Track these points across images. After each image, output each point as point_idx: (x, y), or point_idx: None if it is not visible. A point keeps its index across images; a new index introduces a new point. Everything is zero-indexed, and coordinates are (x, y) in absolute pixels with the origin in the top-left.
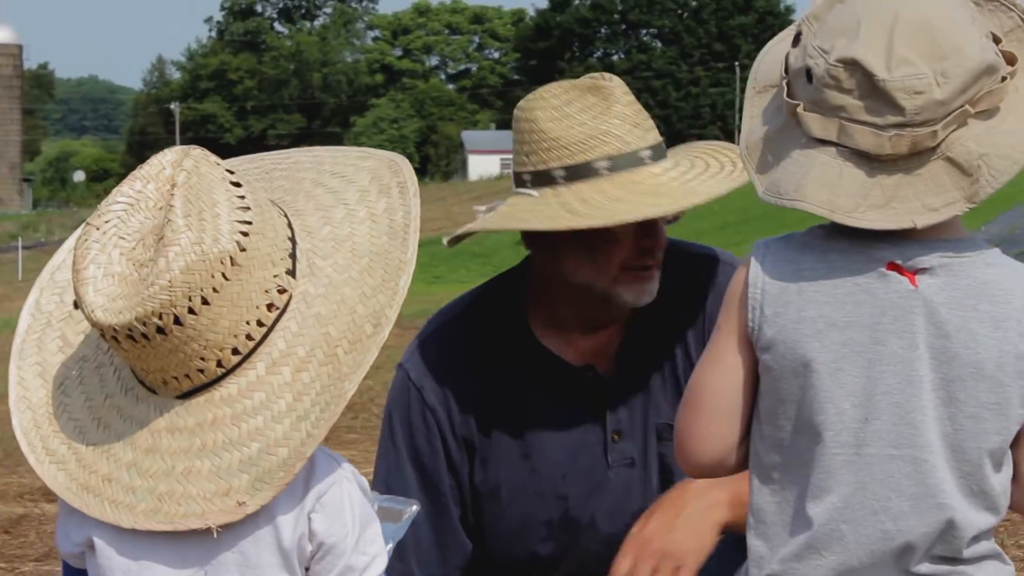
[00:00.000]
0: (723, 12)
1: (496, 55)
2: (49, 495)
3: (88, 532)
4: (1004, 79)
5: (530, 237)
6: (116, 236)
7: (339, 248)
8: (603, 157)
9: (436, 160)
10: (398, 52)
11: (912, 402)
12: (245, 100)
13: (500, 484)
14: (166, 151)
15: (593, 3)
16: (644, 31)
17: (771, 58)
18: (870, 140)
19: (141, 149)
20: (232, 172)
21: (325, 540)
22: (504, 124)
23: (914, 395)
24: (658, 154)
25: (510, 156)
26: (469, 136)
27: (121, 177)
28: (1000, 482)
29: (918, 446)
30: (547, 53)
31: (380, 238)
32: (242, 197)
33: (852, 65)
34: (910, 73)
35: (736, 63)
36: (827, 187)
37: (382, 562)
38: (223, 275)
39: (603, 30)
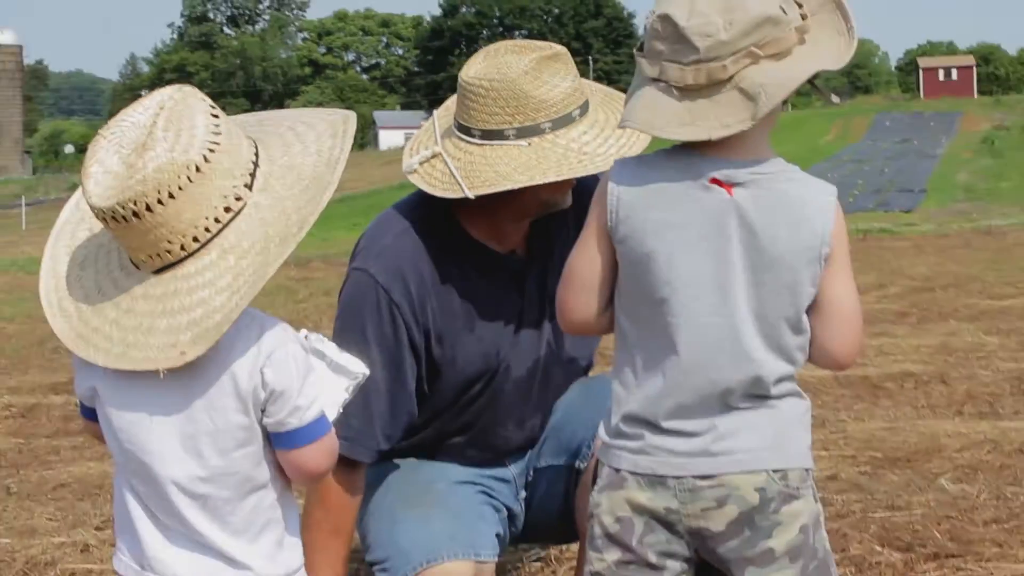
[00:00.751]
0: (579, 17)
1: (400, 52)
2: (55, 389)
3: (92, 382)
4: (794, 31)
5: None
6: (117, 144)
7: (290, 173)
8: (576, 107)
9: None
10: (322, 50)
11: (728, 282)
12: (201, 88)
13: (456, 355)
14: (166, 88)
15: (477, 11)
16: (517, 32)
17: None
18: (677, 74)
19: None
20: (215, 107)
21: (275, 388)
22: (407, 106)
23: (729, 277)
24: (584, 109)
25: (412, 130)
26: (379, 115)
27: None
28: (796, 342)
29: (733, 315)
30: (440, 50)
31: (319, 167)
32: (217, 125)
33: (664, 18)
34: (703, 21)
35: (589, 57)
36: (648, 111)
37: (321, 401)
38: (188, 178)
39: (485, 32)
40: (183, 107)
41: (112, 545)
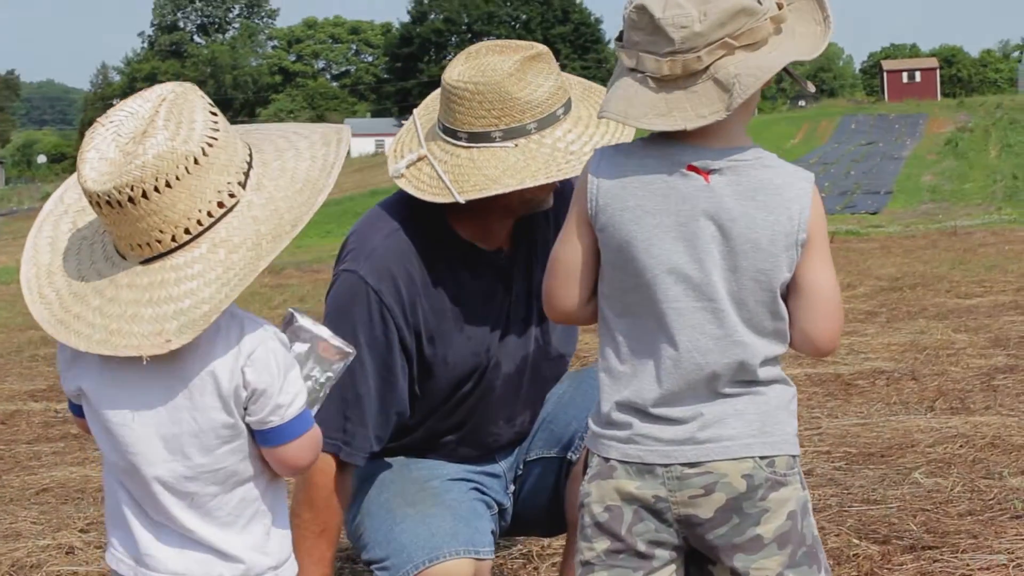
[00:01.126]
0: (546, 23)
1: (370, 59)
2: (34, 396)
3: (78, 382)
4: (768, 21)
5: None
6: (115, 133)
7: (283, 175)
8: (560, 106)
9: None
10: (292, 58)
11: (706, 267)
12: None
13: (447, 354)
14: (166, 83)
15: (446, 18)
16: (486, 38)
17: None
18: (653, 65)
19: None
20: (213, 105)
21: (257, 387)
22: (377, 113)
23: (707, 262)
24: (567, 107)
25: (383, 138)
26: (350, 122)
27: (75, 159)
28: (774, 326)
29: (715, 299)
30: (410, 57)
31: (313, 171)
32: (215, 123)
33: (640, 9)
34: (678, 13)
35: (557, 63)
36: (625, 101)
37: (302, 398)
38: (186, 168)
39: (453, 38)
40: (183, 101)
41: (97, 548)
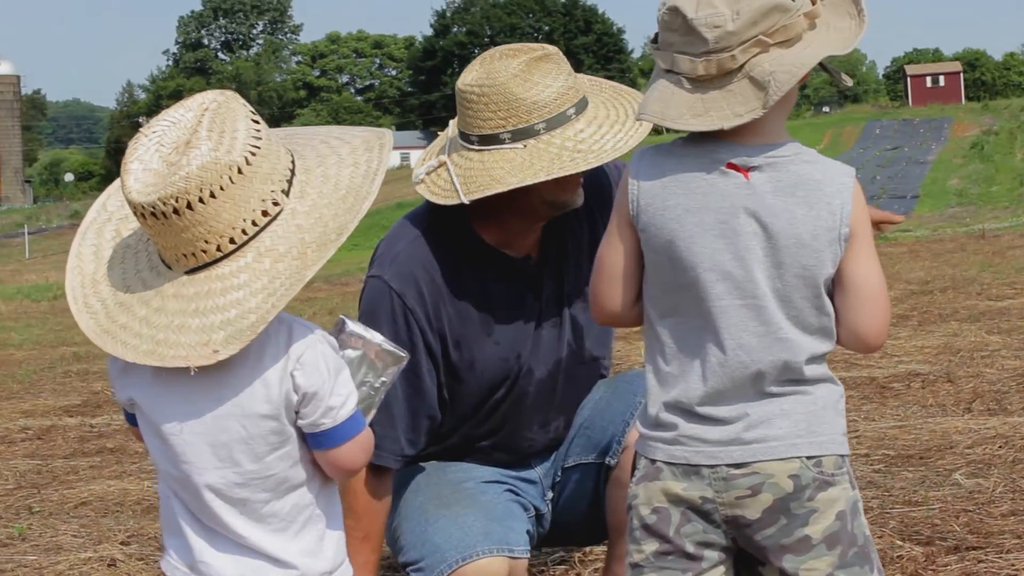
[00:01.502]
0: (569, 34)
1: (393, 72)
2: (68, 411)
3: (128, 392)
4: (802, 16)
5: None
6: (158, 143)
7: (326, 183)
8: (570, 106)
9: None
10: (316, 72)
11: (748, 264)
12: None
13: (474, 359)
14: (207, 92)
15: (468, 30)
16: None
17: None
18: (688, 66)
19: (117, 155)
20: (255, 113)
21: (307, 390)
22: (401, 126)
23: (749, 259)
24: (580, 107)
25: (408, 150)
26: None
27: (102, 177)
28: (820, 322)
29: (758, 296)
30: (433, 70)
31: (356, 178)
32: (258, 131)
33: (673, 11)
34: (711, 12)
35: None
36: (661, 102)
37: (353, 399)
38: (230, 179)
39: (476, 51)
40: (226, 110)
41: (139, 559)
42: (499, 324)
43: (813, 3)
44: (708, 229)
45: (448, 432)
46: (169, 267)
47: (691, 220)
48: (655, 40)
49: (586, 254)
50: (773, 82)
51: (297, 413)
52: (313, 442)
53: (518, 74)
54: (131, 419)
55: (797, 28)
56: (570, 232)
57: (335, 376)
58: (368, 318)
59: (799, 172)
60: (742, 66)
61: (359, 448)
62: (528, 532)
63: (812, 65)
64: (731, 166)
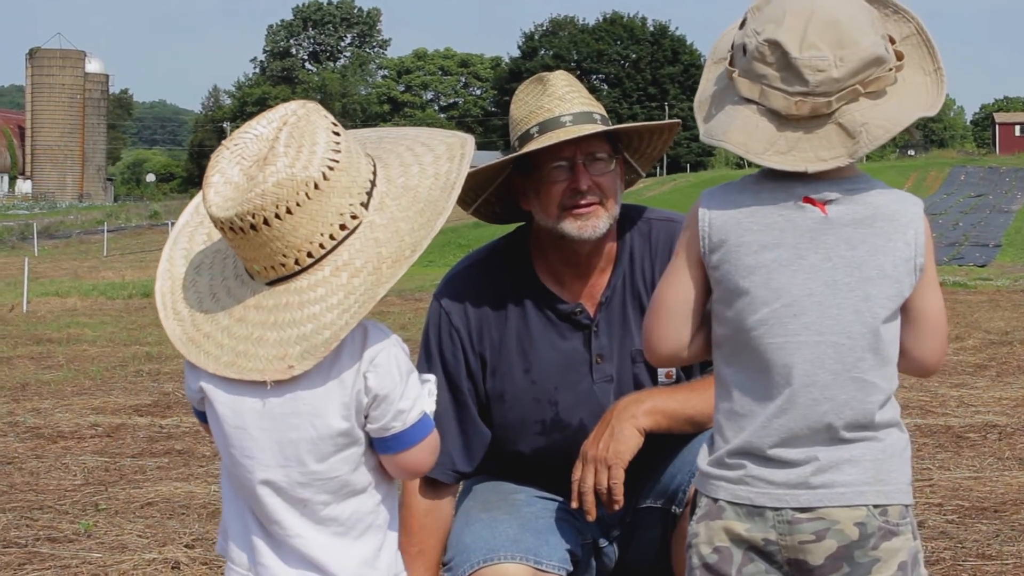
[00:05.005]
0: (656, 63)
1: (478, 92)
2: (139, 411)
3: (199, 382)
4: (892, 70)
5: (517, 192)
6: (239, 156)
7: (406, 194)
8: (535, 124)
9: None
10: (401, 88)
11: (829, 300)
12: None
13: (505, 390)
14: (290, 102)
15: (555, 54)
16: (594, 76)
17: (726, 38)
18: (781, 102)
19: (199, 158)
20: (336, 124)
21: (379, 392)
22: (483, 146)
23: (831, 294)
24: (579, 119)
25: None
26: None
27: (183, 179)
28: (893, 354)
29: (836, 332)
30: None
31: (435, 191)
32: (337, 143)
33: (774, 45)
34: (816, 55)
35: (665, 103)
36: (745, 133)
37: (421, 402)
38: (306, 195)
39: None
40: (306, 123)
41: (203, 564)
42: (537, 362)
43: (900, 58)
44: (787, 264)
45: (503, 455)
46: (252, 277)
47: (768, 256)
48: (731, 63)
49: None
50: (865, 134)
51: (366, 417)
52: (382, 446)
53: (518, 93)
54: (201, 416)
55: (887, 81)
56: (640, 286)
57: (406, 379)
58: (426, 332)
59: (875, 203)
60: (832, 112)
61: (427, 451)
62: (569, 551)
63: (907, 124)
64: (808, 200)
